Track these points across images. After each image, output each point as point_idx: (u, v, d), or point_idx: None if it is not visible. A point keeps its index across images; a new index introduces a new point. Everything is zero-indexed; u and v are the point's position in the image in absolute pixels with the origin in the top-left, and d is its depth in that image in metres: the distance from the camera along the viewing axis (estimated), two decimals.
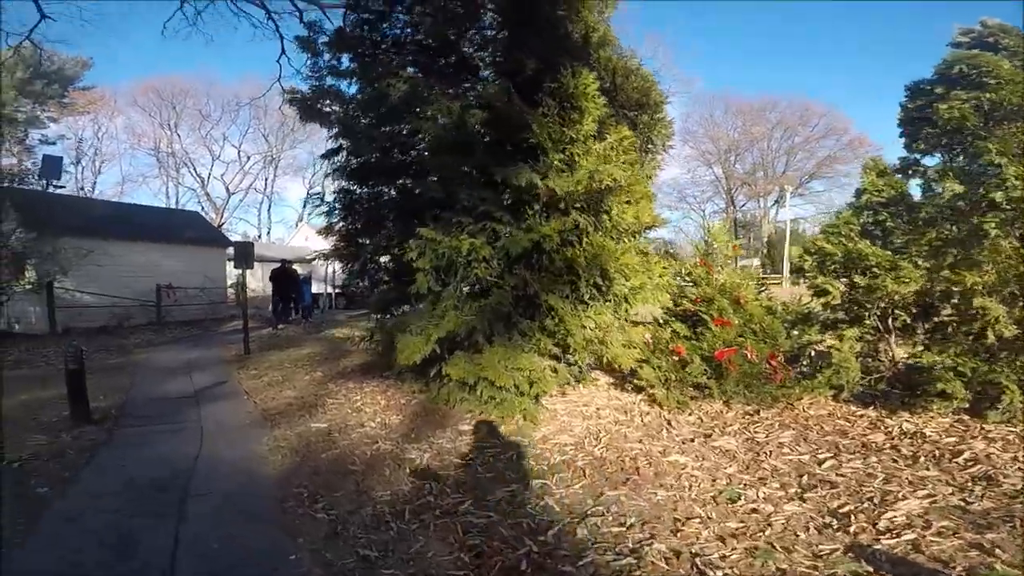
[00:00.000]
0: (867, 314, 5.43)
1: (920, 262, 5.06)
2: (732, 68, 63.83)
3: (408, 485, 3.97)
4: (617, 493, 3.62)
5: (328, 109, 6.34)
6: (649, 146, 7.43)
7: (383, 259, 7.28)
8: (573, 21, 5.77)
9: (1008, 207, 4.87)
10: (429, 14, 6.43)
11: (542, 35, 5.38)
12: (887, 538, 2.83)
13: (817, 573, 2.60)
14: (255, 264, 10.84)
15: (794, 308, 6.24)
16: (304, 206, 46.68)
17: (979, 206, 5.09)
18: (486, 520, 3.39)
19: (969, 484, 3.38)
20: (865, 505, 3.21)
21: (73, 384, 5.21)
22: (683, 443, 4.50)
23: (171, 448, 4.71)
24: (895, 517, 3.03)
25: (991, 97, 8.69)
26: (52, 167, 16.11)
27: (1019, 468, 3.57)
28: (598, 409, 5.58)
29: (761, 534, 3.00)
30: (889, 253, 4.99)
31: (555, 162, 4.59)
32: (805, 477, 3.65)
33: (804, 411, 5.16)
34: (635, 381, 6.21)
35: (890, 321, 5.36)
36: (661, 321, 6.03)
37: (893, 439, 4.27)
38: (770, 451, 4.14)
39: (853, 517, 3.06)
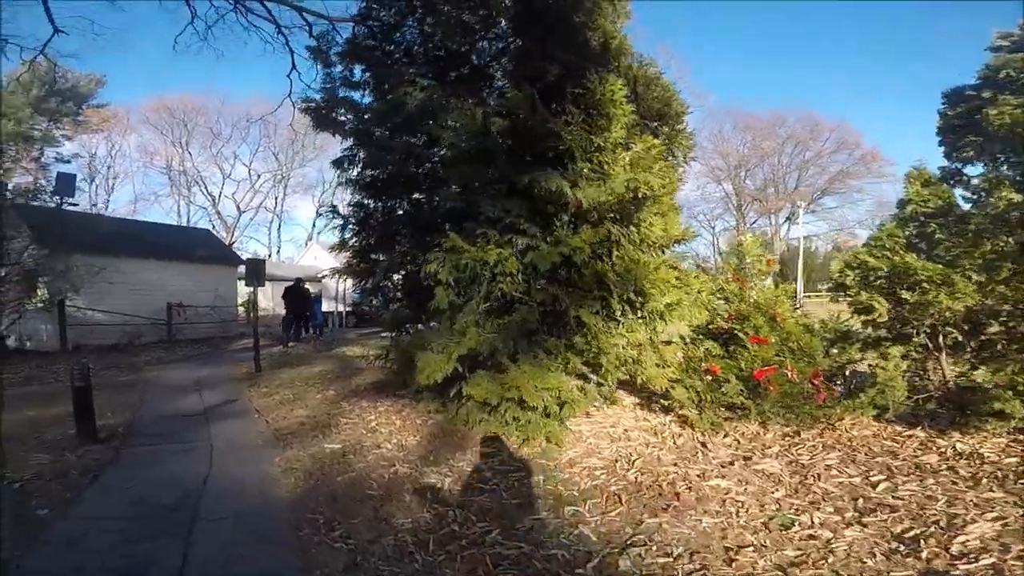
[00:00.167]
0: (914, 331, 5.14)
1: (974, 276, 4.77)
2: (741, 79, 64.06)
3: (430, 512, 3.71)
4: (658, 520, 3.38)
5: (343, 118, 6.23)
6: (670, 158, 7.25)
7: (396, 276, 7.10)
8: (591, 29, 5.66)
9: None
10: (440, 25, 6.34)
11: (562, 42, 5.26)
12: (963, 563, 2.64)
13: None
14: (265, 282, 10.72)
15: (833, 326, 5.97)
16: (313, 226, 47.14)
17: None
18: (516, 551, 3.16)
19: None
20: (931, 529, 2.99)
21: (79, 402, 5.03)
22: (722, 466, 4.26)
23: (180, 468, 4.49)
24: (968, 541, 2.82)
25: None
26: (66, 184, 16.19)
27: None
28: (626, 430, 5.30)
29: (824, 562, 2.79)
30: (940, 267, 4.70)
31: (584, 170, 4.40)
32: (860, 500, 3.42)
33: (847, 432, 4.91)
34: (662, 401, 5.96)
35: (940, 339, 5.06)
36: (688, 339, 5.79)
37: (948, 460, 4.03)
38: (818, 474, 3.91)
39: (923, 542, 2.86)
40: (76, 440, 5.05)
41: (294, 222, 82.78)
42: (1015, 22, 16.28)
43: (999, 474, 3.64)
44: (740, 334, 5.48)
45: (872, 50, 58.30)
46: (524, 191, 4.44)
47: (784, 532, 3.13)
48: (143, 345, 13.52)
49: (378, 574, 2.90)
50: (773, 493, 3.65)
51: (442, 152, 6.02)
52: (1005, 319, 4.96)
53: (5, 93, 29.83)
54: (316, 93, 6.76)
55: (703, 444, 4.85)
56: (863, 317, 5.62)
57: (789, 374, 5.22)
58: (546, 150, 4.49)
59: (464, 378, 4.63)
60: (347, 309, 20.21)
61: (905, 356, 5.31)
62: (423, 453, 4.87)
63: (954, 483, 3.57)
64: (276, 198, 45.93)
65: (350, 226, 6.81)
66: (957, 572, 2.57)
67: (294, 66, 13.28)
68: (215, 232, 32.21)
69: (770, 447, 4.67)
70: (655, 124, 6.64)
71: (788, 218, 43.81)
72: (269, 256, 41.79)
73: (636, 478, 4.12)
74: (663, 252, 5.33)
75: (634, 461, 4.46)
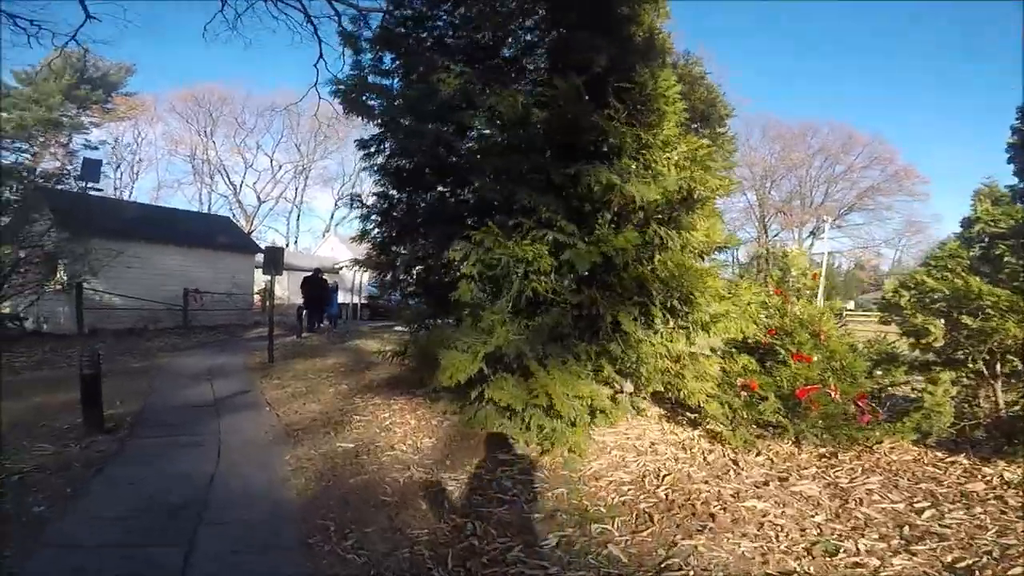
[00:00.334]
0: (968, 357, 4.81)
1: None
2: (773, 87, 62.83)
3: (448, 523, 3.47)
4: (693, 543, 3.17)
5: (372, 102, 5.99)
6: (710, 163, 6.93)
7: (416, 270, 6.88)
8: (636, 23, 5.37)
9: None
10: (473, 13, 6.09)
11: (606, 34, 4.98)
12: None
13: None
14: (283, 272, 10.58)
15: (878, 347, 5.72)
16: (331, 218, 47.39)
17: None
18: (541, 571, 2.95)
19: None
20: (984, 560, 2.85)
21: (87, 390, 4.85)
22: (756, 486, 4.02)
23: (186, 464, 4.29)
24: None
25: None
26: (91, 170, 16.35)
27: None
28: (652, 443, 5.03)
29: None
30: (1007, 293, 4.36)
31: (632, 167, 4.12)
32: (906, 528, 3.26)
33: (886, 455, 4.68)
34: (688, 414, 5.71)
35: (998, 366, 4.73)
36: (719, 352, 5.52)
37: (995, 489, 3.84)
38: (859, 498, 3.71)
39: (977, 573, 2.74)
40: (82, 430, 4.88)
41: (313, 213, 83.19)
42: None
43: None
44: (781, 350, 5.22)
45: (913, 63, 57.02)
46: (561, 186, 4.17)
47: (829, 559, 2.96)
48: (158, 330, 13.50)
49: None
50: (813, 517, 3.46)
51: (473, 143, 5.81)
52: None
53: (39, 80, 30.47)
54: (334, 96, 6.55)
55: (735, 462, 4.63)
56: (922, 340, 5.37)
57: (832, 394, 4.98)
58: (588, 144, 4.22)
59: (487, 380, 4.38)
60: (362, 302, 20.11)
61: (955, 382, 5.02)
62: (439, 457, 4.64)
63: (1003, 512, 3.41)
64: (296, 189, 46.42)
65: (372, 217, 6.59)
66: None
67: (321, 55, 13.24)
68: (235, 220, 32.37)
69: (806, 468, 4.46)
70: (696, 126, 6.32)
71: (812, 232, 42.80)
72: (287, 246, 42.04)
73: (667, 495, 3.91)
74: (702, 259, 5.03)
75: (664, 477, 4.22)
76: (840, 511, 3.54)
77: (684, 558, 3.01)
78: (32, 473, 3.94)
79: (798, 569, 2.86)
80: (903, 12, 57.80)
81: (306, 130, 41.79)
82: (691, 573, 2.86)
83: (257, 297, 19.70)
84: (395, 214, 6.75)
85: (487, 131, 4.54)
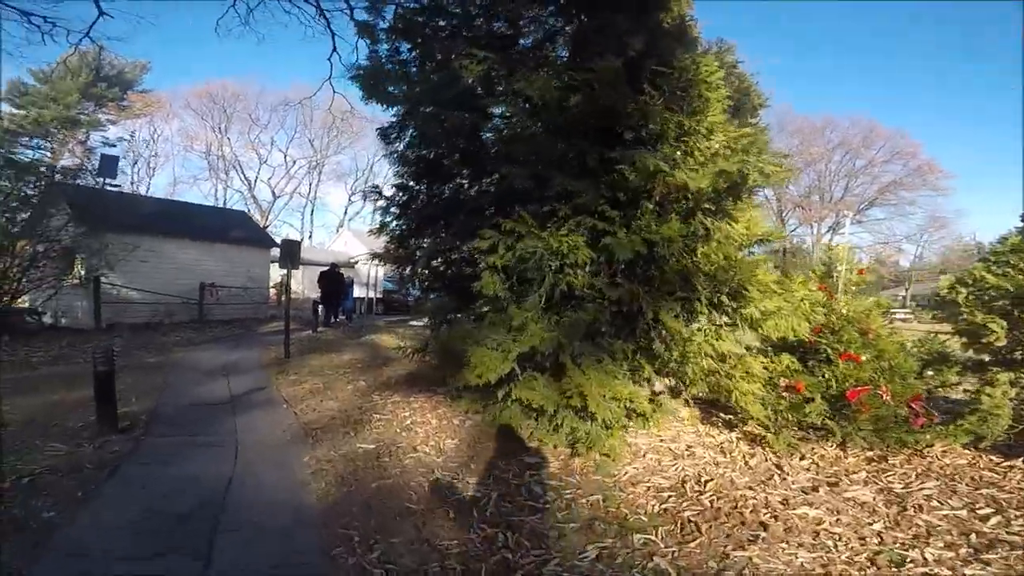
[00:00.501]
0: None
1: None
2: (793, 81, 61.53)
3: (478, 533, 3.24)
4: (746, 553, 2.97)
5: (392, 88, 5.76)
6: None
7: (436, 263, 6.64)
8: (666, 8, 5.08)
9: None
10: (489, 2, 5.84)
11: (634, 20, 4.69)
12: None
13: None
14: (299, 265, 10.42)
15: (930, 346, 5.41)
16: (345, 213, 47.54)
17: None
18: None
19: None
20: None
21: (101, 387, 4.68)
22: (804, 492, 3.81)
23: (201, 466, 4.10)
24: None
25: None
26: (109, 166, 16.44)
27: None
28: (689, 447, 4.75)
29: None
30: None
31: (676, 154, 3.84)
32: (973, 535, 3.10)
33: (938, 459, 4.46)
34: (723, 415, 5.42)
35: None
36: (754, 350, 5.21)
37: None
38: (918, 504, 3.53)
39: None
40: (96, 428, 4.71)
41: (326, 208, 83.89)
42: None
43: None
44: (828, 348, 4.90)
45: (938, 55, 55.54)
46: (597, 172, 3.89)
47: (896, 570, 2.81)
48: (174, 324, 13.45)
49: None
50: (871, 524, 3.28)
51: (497, 130, 5.56)
52: None
53: (55, 78, 30.75)
54: (353, 82, 6.35)
55: (779, 466, 4.38)
56: (966, 339, 5.08)
57: (884, 396, 4.67)
58: (627, 129, 3.94)
59: (515, 379, 4.12)
60: (377, 296, 19.99)
61: (1014, 383, 4.71)
62: (463, 460, 4.41)
63: None
64: (310, 184, 46.51)
65: (391, 209, 6.36)
66: None
67: (335, 49, 13.02)
68: (250, 215, 32.48)
69: (855, 473, 4.22)
70: (728, 115, 6.00)
71: (832, 228, 41.85)
72: (301, 241, 42.18)
73: (711, 502, 3.68)
74: (741, 251, 4.72)
75: (706, 483, 3.98)
76: (899, 518, 3.35)
77: (738, 571, 2.82)
78: (43, 475, 3.76)
79: None
80: (924, 7, 56.23)
81: (319, 125, 41.87)
82: None
83: (272, 291, 19.65)
84: (414, 205, 6.53)
85: (514, 117, 4.27)
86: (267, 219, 42.39)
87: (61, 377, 7.08)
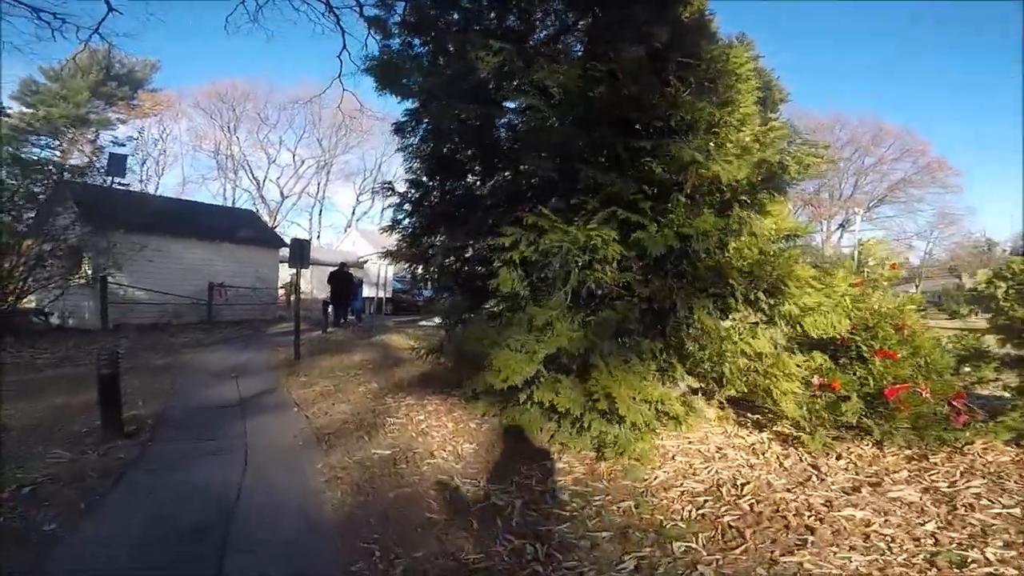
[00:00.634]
0: None
1: None
2: (803, 78, 60.84)
3: (504, 545, 3.04)
4: (796, 559, 2.83)
5: (406, 80, 5.57)
6: None
7: (448, 260, 6.44)
8: (686, 3, 4.87)
9: None
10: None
11: (653, 11, 4.49)
12: None
13: None
14: (309, 265, 10.23)
15: (966, 342, 5.28)
16: (353, 213, 47.48)
17: None
18: None
19: None
20: None
21: (105, 391, 4.49)
22: (846, 493, 3.66)
23: (210, 474, 3.92)
24: None
25: None
26: (117, 165, 16.37)
27: None
28: (719, 448, 4.54)
29: None
30: None
31: (709, 145, 3.63)
32: None
33: (980, 456, 4.30)
34: (751, 415, 5.21)
35: None
36: (778, 348, 5.01)
37: None
38: (967, 503, 3.38)
39: None
40: (100, 434, 4.53)
41: (334, 208, 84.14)
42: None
43: None
44: (863, 345, 4.68)
45: (943, 52, 54.82)
46: (623, 164, 3.68)
47: (958, 571, 2.69)
48: (182, 325, 13.33)
49: None
50: (922, 525, 3.14)
51: (515, 122, 5.36)
52: None
53: (66, 76, 30.82)
54: (367, 74, 6.18)
55: (815, 467, 4.20)
56: (1003, 335, 4.90)
57: (923, 393, 4.45)
58: (654, 120, 3.73)
59: (537, 381, 3.91)
60: (386, 296, 19.83)
61: None
62: (484, 466, 4.21)
63: None
64: (318, 184, 46.39)
65: (404, 206, 6.17)
66: None
67: (344, 46, 12.71)
68: (258, 215, 32.45)
69: (896, 472, 4.07)
70: None
71: (842, 225, 41.41)
72: (310, 241, 42.10)
73: (751, 506, 3.50)
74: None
75: (742, 486, 3.80)
76: (950, 518, 3.21)
77: None
78: (45, 484, 3.59)
79: None
80: (926, 6, 55.43)
81: (327, 124, 41.72)
82: None
83: (282, 291, 19.53)
84: (427, 202, 6.34)
85: (534, 109, 4.06)
86: (275, 219, 42.38)
87: (66, 379, 6.93)
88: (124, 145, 32.01)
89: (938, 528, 3.10)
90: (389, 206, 6.42)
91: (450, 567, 2.79)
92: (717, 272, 3.52)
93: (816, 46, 59.82)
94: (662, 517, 3.39)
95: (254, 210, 33.80)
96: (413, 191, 6.33)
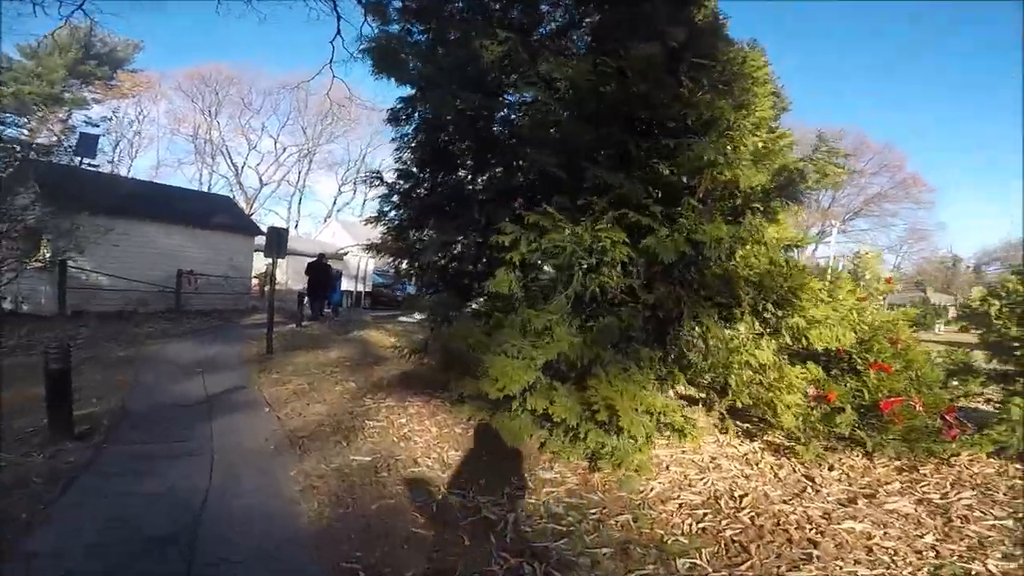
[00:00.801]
0: None
1: None
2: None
3: (499, 564, 2.84)
4: (802, 574, 2.79)
5: (408, 61, 5.27)
6: None
7: (436, 256, 6.18)
8: (699, 4, 4.73)
9: None
10: None
11: (670, 12, 4.33)
12: None
13: None
14: (285, 255, 9.80)
15: (956, 356, 5.43)
16: (334, 203, 46.63)
17: None
18: None
19: None
20: None
21: (54, 388, 4.06)
22: (843, 505, 3.64)
23: (172, 480, 3.58)
24: None
25: None
26: (88, 145, 15.66)
27: None
28: (713, 458, 4.44)
29: None
30: None
31: (728, 147, 3.47)
32: None
33: (967, 468, 4.40)
34: (740, 423, 5.12)
35: None
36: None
37: None
38: (961, 515, 3.43)
39: None
40: (48, 434, 4.11)
41: (315, 198, 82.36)
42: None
43: None
44: (857, 358, 4.66)
45: (917, 65, 56.25)
46: (631, 164, 3.49)
47: None
48: (148, 314, 12.67)
49: None
50: (921, 538, 3.15)
51: (509, 119, 5.15)
52: None
53: (43, 54, 29.36)
54: (359, 59, 5.91)
55: (809, 478, 4.18)
56: (992, 352, 5.13)
57: (916, 407, 4.45)
58: (667, 120, 3.55)
59: (533, 388, 3.69)
60: (365, 290, 19.37)
61: None
62: (471, 475, 3.98)
63: None
64: (299, 172, 45.40)
65: (392, 198, 5.88)
66: None
67: (339, 32, 12.22)
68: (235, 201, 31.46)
69: (888, 483, 4.12)
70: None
71: (818, 235, 42.47)
72: (288, 230, 41.09)
73: (752, 520, 3.43)
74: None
75: (741, 498, 3.71)
76: (947, 530, 3.24)
77: None
78: None
79: None
80: (903, 12, 56.97)
81: (313, 113, 40.84)
82: None
83: (255, 281, 18.88)
84: (416, 194, 6.06)
85: (539, 102, 3.86)
86: (252, 207, 41.23)
87: (17, 370, 6.38)
88: (98, 126, 30.74)
89: (936, 540, 3.10)
90: (376, 197, 6.13)
91: None
92: (725, 281, 3.38)
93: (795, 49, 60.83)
94: (662, 532, 3.26)
95: (231, 196, 32.75)
96: (402, 182, 6.05)
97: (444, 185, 5.79)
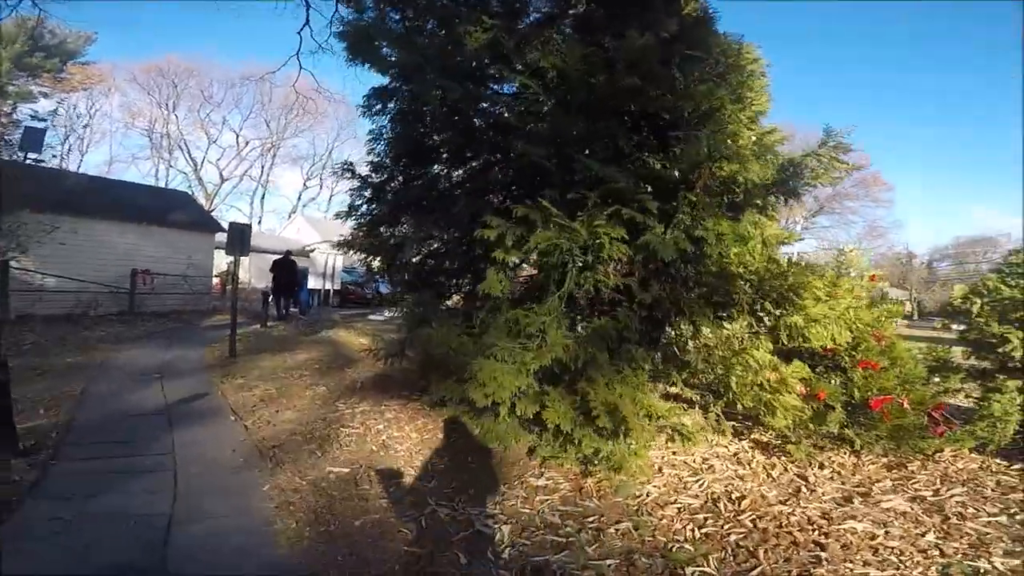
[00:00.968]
0: None
1: None
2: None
3: None
4: None
5: (383, 51, 4.96)
6: None
7: (413, 253, 5.91)
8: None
9: None
10: None
11: (660, 3, 4.20)
12: None
13: None
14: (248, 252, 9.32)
15: (937, 353, 5.44)
16: (299, 198, 45.42)
17: None
18: None
19: None
20: None
21: None
22: (840, 504, 3.59)
23: (130, 500, 3.23)
24: None
25: None
26: (34, 139, 14.65)
27: None
28: (704, 459, 4.33)
29: None
30: None
31: (727, 141, 3.35)
32: None
33: (951, 464, 4.44)
34: (728, 422, 5.07)
35: None
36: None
37: None
38: (956, 512, 3.41)
39: None
40: None
41: (278, 193, 79.93)
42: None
43: None
44: (845, 356, 4.65)
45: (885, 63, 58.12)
46: (624, 157, 3.33)
47: None
48: (100, 317, 11.94)
49: None
50: (923, 536, 3.12)
51: (489, 112, 4.93)
52: None
53: None
54: (328, 50, 5.57)
55: (802, 477, 4.13)
56: (972, 349, 5.18)
57: (904, 404, 4.47)
58: (662, 111, 3.40)
59: (523, 392, 3.50)
60: (334, 288, 18.80)
61: (1022, 390, 4.71)
62: (459, 484, 3.77)
63: None
64: (263, 167, 43.79)
65: (365, 191, 5.58)
66: None
67: (307, 22, 11.74)
68: (194, 197, 30.12)
69: (879, 481, 4.10)
70: None
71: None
72: (251, 225, 39.71)
73: (754, 523, 3.33)
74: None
75: (739, 501, 3.62)
76: (946, 528, 3.22)
77: None
78: None
79: None
80: (862, 12, 59.08)
81: (277, 106, 39.57)
82: None
83: (217, 280, 18.07)
84: (389, 188, 5.78)
85: (525, 89, 3.66)
86: (212, 203, 39.64)
87: None
88: (45, 120, 28.94)
89: (938, 539, 3.09)
90: (347, 191, 5.82)
91: None
92: (723, 279, 3.26)
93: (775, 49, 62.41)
94: (665, 539, 3.13)
95: (189, 192, 31.38)
96: (375, 175, 5.75)
97: (421, 179, 5.53)
